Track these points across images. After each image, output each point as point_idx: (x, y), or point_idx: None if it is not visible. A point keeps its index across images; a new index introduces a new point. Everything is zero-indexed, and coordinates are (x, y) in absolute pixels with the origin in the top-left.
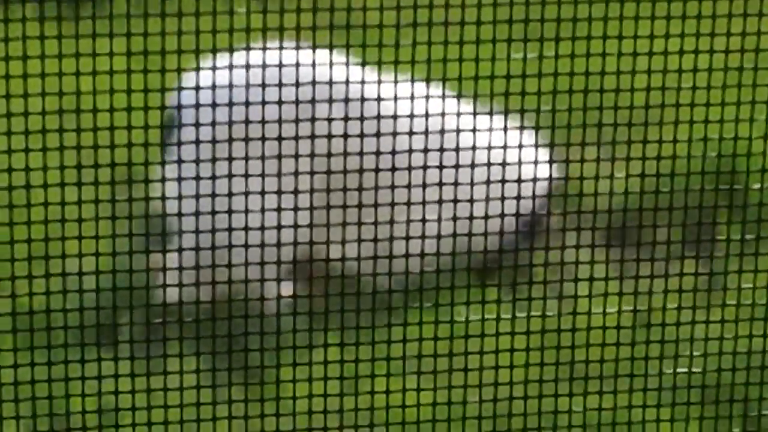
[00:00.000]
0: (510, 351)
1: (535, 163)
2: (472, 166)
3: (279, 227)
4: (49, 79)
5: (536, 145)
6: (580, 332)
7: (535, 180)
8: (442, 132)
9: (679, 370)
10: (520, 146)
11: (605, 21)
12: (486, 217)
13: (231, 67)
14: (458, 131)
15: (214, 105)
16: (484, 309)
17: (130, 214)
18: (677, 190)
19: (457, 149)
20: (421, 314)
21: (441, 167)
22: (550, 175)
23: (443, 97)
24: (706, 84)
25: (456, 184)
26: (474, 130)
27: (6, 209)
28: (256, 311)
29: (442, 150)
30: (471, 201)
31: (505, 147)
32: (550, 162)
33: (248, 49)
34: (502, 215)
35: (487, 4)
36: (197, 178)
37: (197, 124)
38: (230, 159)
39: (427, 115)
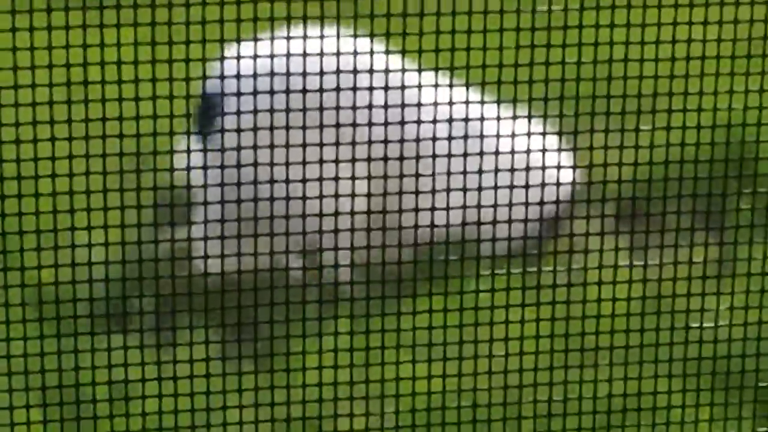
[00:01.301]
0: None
1: (558, 167)
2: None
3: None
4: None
5: (560, 150)
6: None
7: (558, 185)
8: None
9: (690, 341)
10: (544, 150)
11: (629, 8)
12: (509, 221)
13: (255, 57)
14: (481, 136)
15: (255, 92)
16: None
17: (155, 187)
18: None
19: (481, 153)
20: (446, 300)
21: (464, 170)
22: (573, 180)
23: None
24: (726, 69)
25: (479, 189)
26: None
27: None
28: (277, 298)
29: (465, 155)
30: (495, 205)
31: (528, 151)
32: (574, 167)
33: (272, 38)
34: (526, 220)
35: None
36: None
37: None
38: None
39: (450, 120)
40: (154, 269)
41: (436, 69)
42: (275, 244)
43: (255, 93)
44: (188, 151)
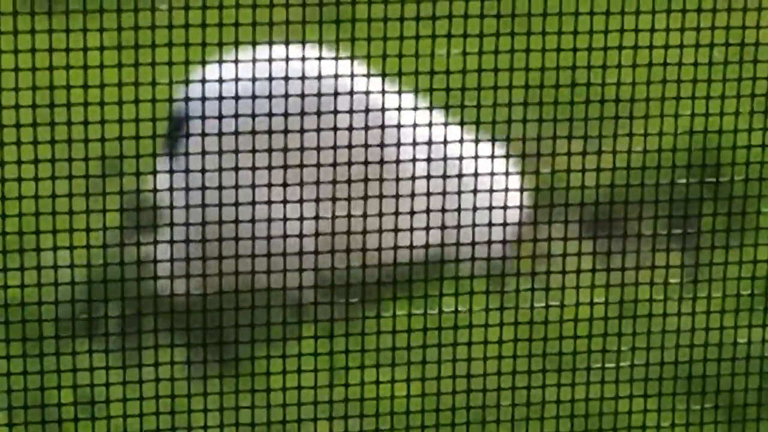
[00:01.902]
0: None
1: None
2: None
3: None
4: (42, 74)
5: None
6: (560, 321)
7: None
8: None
9: (661, 359)
10: (492, 174)
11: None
12: (473, 243)
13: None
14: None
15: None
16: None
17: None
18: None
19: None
20: (410, 305)
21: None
22: (521, 203)
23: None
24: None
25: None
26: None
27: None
28: (244, 302)
29: (429, 177)
30: (458, 226)
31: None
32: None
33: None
34: (489, 242)
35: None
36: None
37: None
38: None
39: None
40: (120, 279)
41: (400, 91)
42: (240, 264)
43: (220, 117)
44: (155, 172)
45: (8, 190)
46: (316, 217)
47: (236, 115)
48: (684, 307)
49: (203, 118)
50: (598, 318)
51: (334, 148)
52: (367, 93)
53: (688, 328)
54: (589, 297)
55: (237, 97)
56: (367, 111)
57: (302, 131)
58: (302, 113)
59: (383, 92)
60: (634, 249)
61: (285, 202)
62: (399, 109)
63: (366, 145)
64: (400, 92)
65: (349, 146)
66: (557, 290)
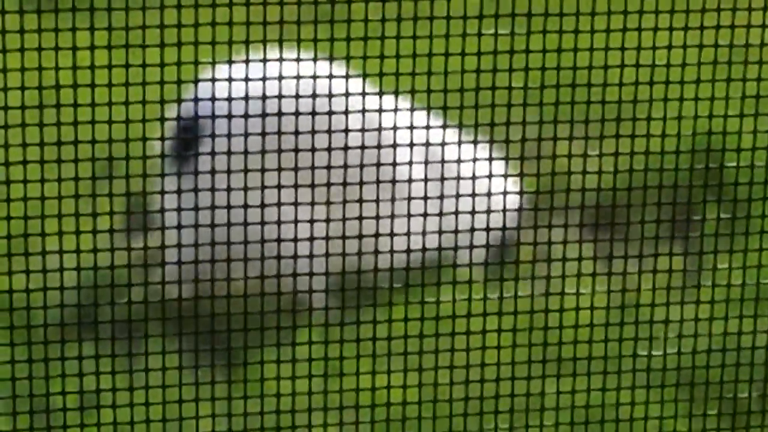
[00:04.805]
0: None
1: (504, 194)
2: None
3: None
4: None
5: (506, 175)
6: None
7: (504, 211)
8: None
9: (658, 353)
10: (490, 176)
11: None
12: (471, 247)
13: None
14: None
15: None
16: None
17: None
18: (654, 177)
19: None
20: (407, 296)
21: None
22: (520, 206)
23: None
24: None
25: (440, 214)
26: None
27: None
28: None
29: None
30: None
31: (474, 178)
32: (521, 193)
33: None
34: (471, 246)
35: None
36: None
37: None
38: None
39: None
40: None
41: (396, 93)
42: (249, 268)
43: (229, 117)
44: (162, 174)
45: (14, 192)
46: (327, 220)
47: (245, 116)
48: (674, 314)
49: (213, 117)
50: (598, 324)
51: (329, 149)
52: (363, 94)
53: (678, 320)
54: (589, 300)
55: (246, 97)
56: (363, 111)
57: (313, 132)
58: (313, 121)
59: (380, 93)
60: (635, 252)
61: (296, 204)
62: (395, 110)
63: (362, 147)
64: (396, 93)
65: (346, 148)
66: (557, 295)
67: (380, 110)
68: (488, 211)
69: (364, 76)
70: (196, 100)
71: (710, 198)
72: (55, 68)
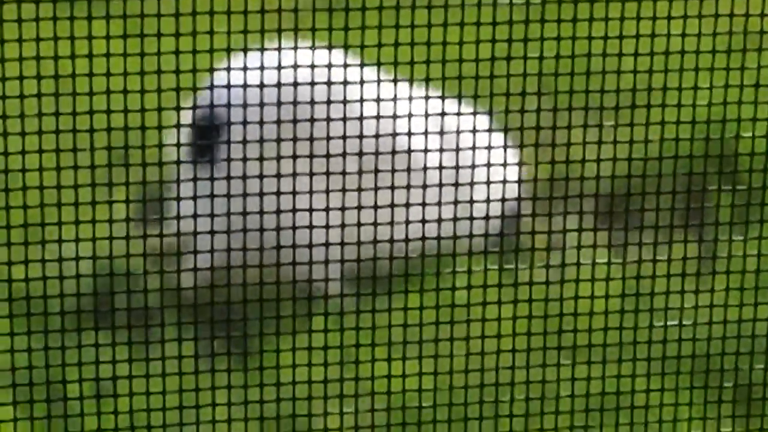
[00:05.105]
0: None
1: (504, 165)
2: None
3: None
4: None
5: (505, 147)
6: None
7: (504, 182)
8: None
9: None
10: (489, 147)
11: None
12: (471, 218)
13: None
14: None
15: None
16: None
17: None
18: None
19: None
20: (422, 283)
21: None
22: (519, 177)
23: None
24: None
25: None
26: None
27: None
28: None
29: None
30: (439, 203)
31: (474, 148)
32: (520, 164)
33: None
34: (471, 218)
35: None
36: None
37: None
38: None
39: (395, 115)
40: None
41: (411, 80)
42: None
43: (245, 115)
44: (178, 161)
45: (16, 181)
46: (343, 208)
47: (261, 104)
48: (687, 301)
49: (228, 106)
50: (613, 311)
51: (344, 137)
52: (378, 81)
53: (690, 322)
54: (597, 287)
55: (262, 85)
56: (378, 100)
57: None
58: (312, 101)
59: (395, 80)
60: (649, 240)
61: (311, 192)
62: (410, 98)
63: (377, 136)
64: (411, 81)
65: (361, 136)
66: (572, 282)
67: (395, 98)
68: (502, 200)
69: (379, 64)
70: (211, 87)
71: (725, 187)
72: (71, 57)
